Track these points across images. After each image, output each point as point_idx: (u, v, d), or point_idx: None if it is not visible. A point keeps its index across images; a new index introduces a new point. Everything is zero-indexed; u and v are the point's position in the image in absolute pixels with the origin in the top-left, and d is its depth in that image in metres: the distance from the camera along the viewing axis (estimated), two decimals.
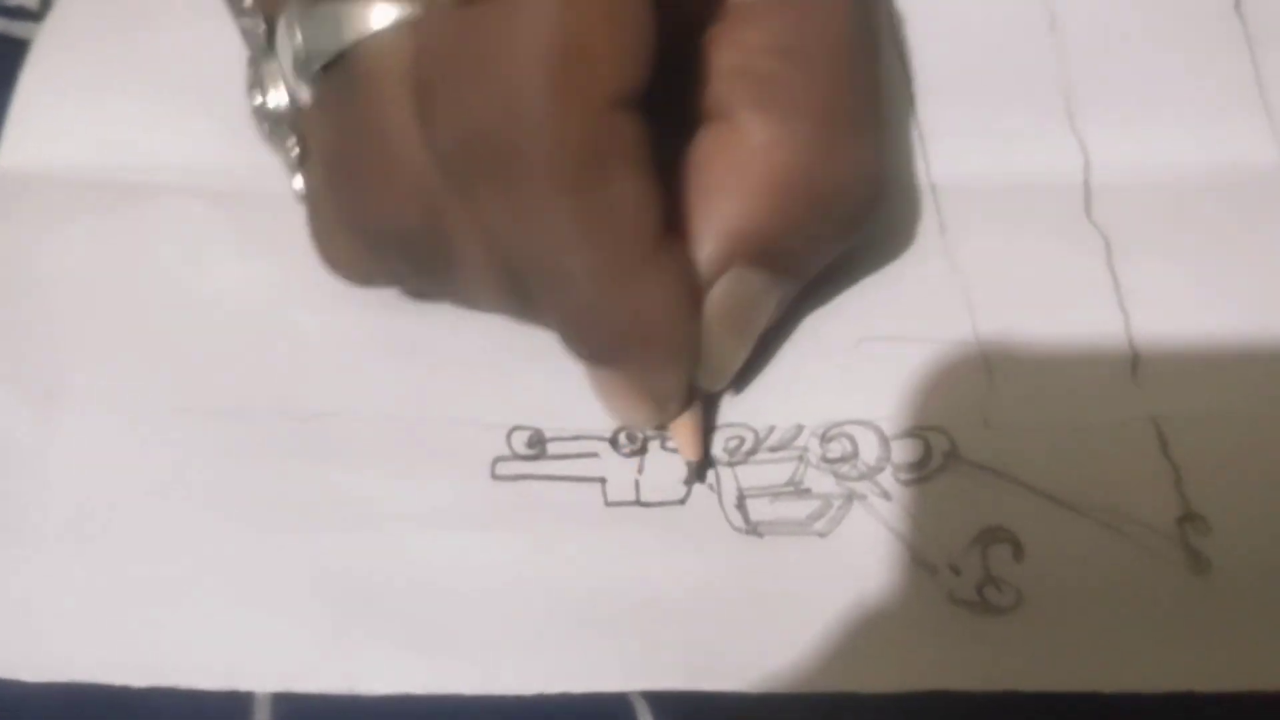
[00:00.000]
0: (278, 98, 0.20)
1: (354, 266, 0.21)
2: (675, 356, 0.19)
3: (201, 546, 0.20)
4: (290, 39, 0.19)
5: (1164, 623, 0.19)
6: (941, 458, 0.21)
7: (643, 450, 0.21)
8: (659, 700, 0.19)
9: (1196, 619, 0.19)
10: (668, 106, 0.19)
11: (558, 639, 0.19)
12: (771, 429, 0.22)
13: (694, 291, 0.19)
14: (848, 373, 0.22)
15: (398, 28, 0.18)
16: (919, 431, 0.21)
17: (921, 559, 0.20)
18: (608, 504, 0.21)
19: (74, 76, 0.25)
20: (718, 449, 0.21)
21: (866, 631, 0.19)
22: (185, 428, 0.21)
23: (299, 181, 0.21)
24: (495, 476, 0.21)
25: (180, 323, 0.23)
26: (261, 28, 0.20)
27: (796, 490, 0.21)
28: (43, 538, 0.20)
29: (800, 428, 0.22)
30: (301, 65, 0.19)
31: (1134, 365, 0.22)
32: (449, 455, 0.21)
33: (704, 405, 0.21)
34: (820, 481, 0.21)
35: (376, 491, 0.21)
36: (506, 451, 0.21)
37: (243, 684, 0.19)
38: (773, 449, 0.21)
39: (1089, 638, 0.19)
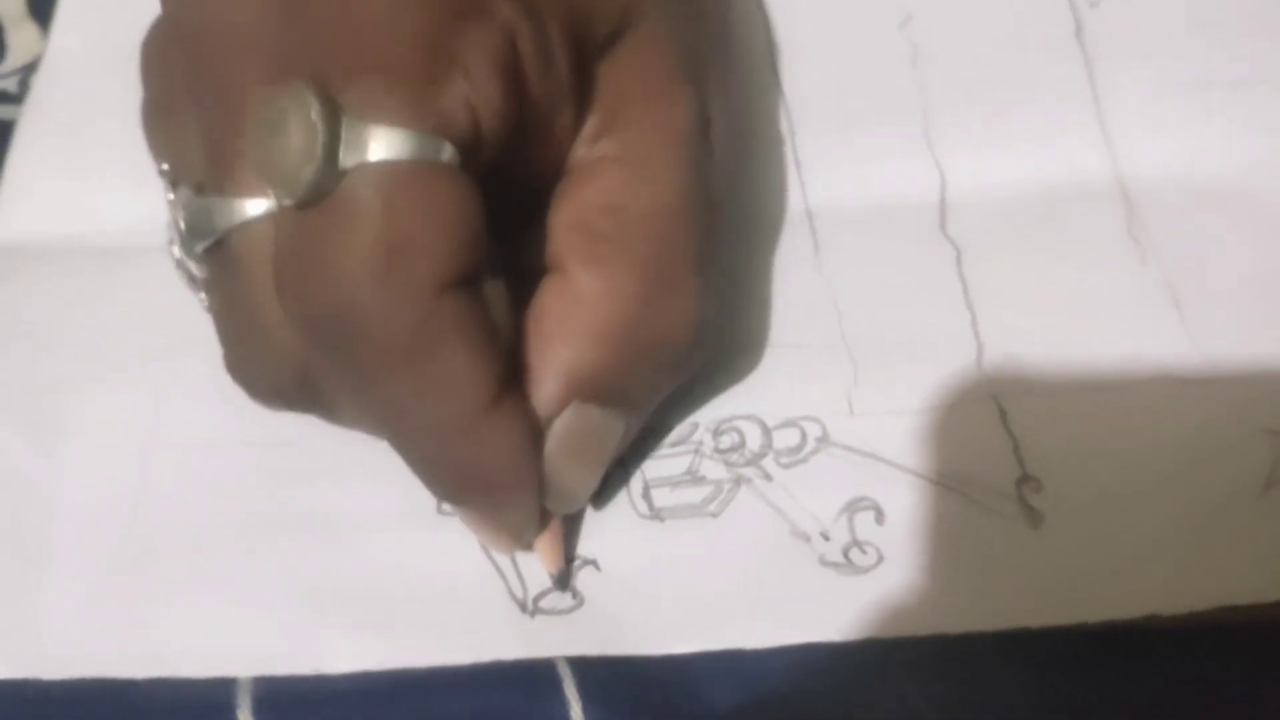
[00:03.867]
0: (177, 255, 0.23)
1: (256, 393, 0.23)
2: (518, 497, 0.22)
3: (189, 556, 0.24)
4: (177, 222, 0.22)
5: (1005, 569, 0.22)
6: (815, 442, 0.24)
7: None
8: (579, 664, 0.22)
9: (1032, 565, 0.22)
10: (518, 256, 0.22)
11: (492, 616, 0.23)
12: (670, 427, 0.25)
13: (534, 434, 0.21)
14: (734, 373, 0.25)
15: (261, 220, 0.20)
16: (795, 421, 0.25)
17: (797, 529, 0.23)
18: None
19: (53, 154, 0.29)
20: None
21: (752, 594, 0.23)
22: (169, 456, 0.25)
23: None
24: None
25: (161, 366, 0.26)
26: (170, 195, 0.23)
27: (693, 478, 0.24)
28: (52, 556, 0.24)
29: (696, 425, 0.25)
30: (187, 245, 0.22)
31: (979, 354, 0.25)
32: (395, 466, 0.24)
33: (564, 519, 0.23)
34: (713, 469, 0.24)
35: (335, 502, 0.24)
36: None
37: (227, 670, 0.22)
38: (672, 444, 0.25)
39: (940, 587, 0.22)
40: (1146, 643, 0.22)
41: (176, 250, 0.23)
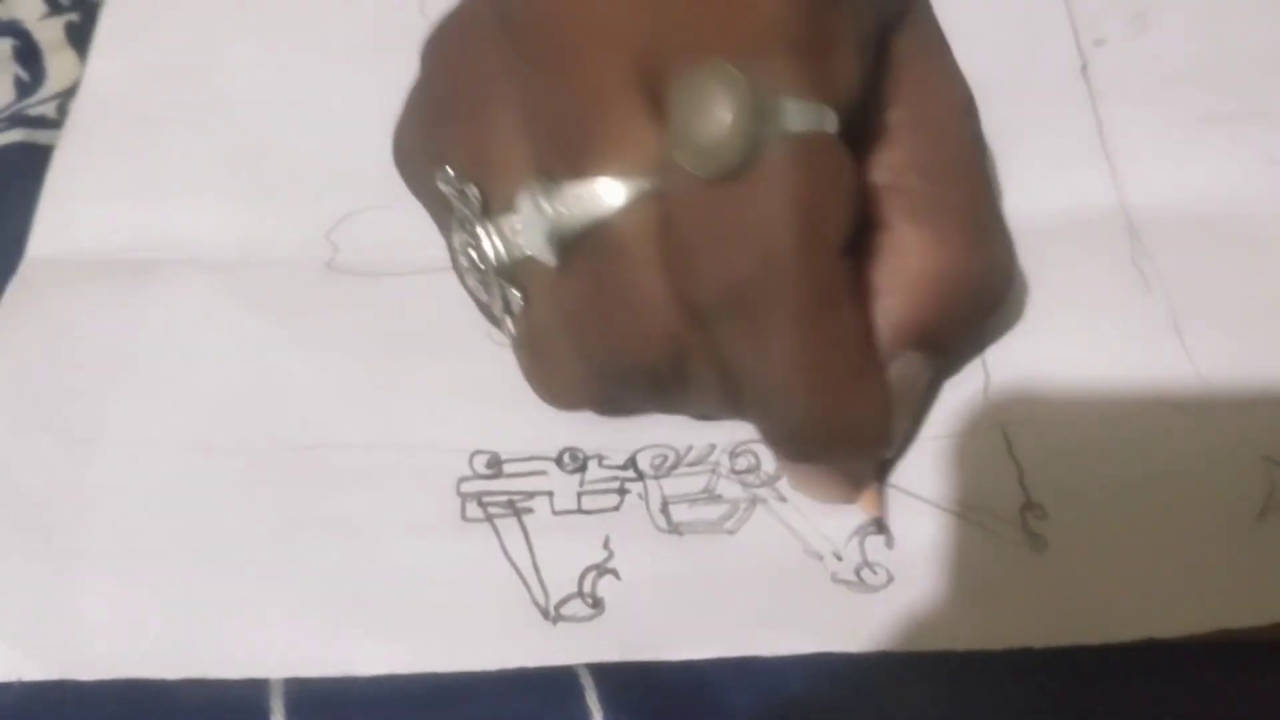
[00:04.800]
0: (494, 255, 0.23)
1: (569, 396, 0.24)
2: (881, 444, 0.23)
3: (220, 560, 0.24)
4: (538, 213, 0.22)
5: (1008, 592, 0.23)
6: None
7: (583, 468, 0.26)
8: (600, 671, 0.23)
9: (1035, 589, 0.23)
10: None
11: (516, 623, 0.23)
12: (690, 447, 0.26)
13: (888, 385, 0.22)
14: None
15: (641, 201, 0.21)
16: None
17: (810, 548, 0.24)
18: (555, 513, 0.25)
19: (89, 175, 0.30)
20: (646, 465, 0.26)
21: (768, 606, 0.24)
22: (200, 462, 0.25)
23: (511, 326, 0.24)
24: (460, 493, 0.25)
25: (191, 375, 0.27)
26: (473, 197, 0.23)
27: (710, 496, 0.25)
28: (86, 559, 0.24)
29: (713, 446, 0.26)
30: (553, 236, 0.21)
31: (986, 383, 0.26)
32: (420, 476, 0.25)
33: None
34: (730, 489, 0.25)
35: (361, 507, 0.25)
36: (469, 472, 0.25)
37: (259, 672, 0.23)
38: (691, 464, 0.26)
39: (946, 607, 0.23)
40: (1153, 656, 0.23)
41: (470, 253, 0.23)
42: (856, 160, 0.22)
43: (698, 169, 0.20)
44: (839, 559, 0.24)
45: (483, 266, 0.23)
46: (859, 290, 0.22)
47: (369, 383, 0.27)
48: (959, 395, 0.26)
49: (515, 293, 0.23)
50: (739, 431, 0.26)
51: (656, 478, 0.25)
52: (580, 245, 0.22)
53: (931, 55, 0.24)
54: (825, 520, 0.25)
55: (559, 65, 0.22)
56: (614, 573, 0.24)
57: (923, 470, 0.25)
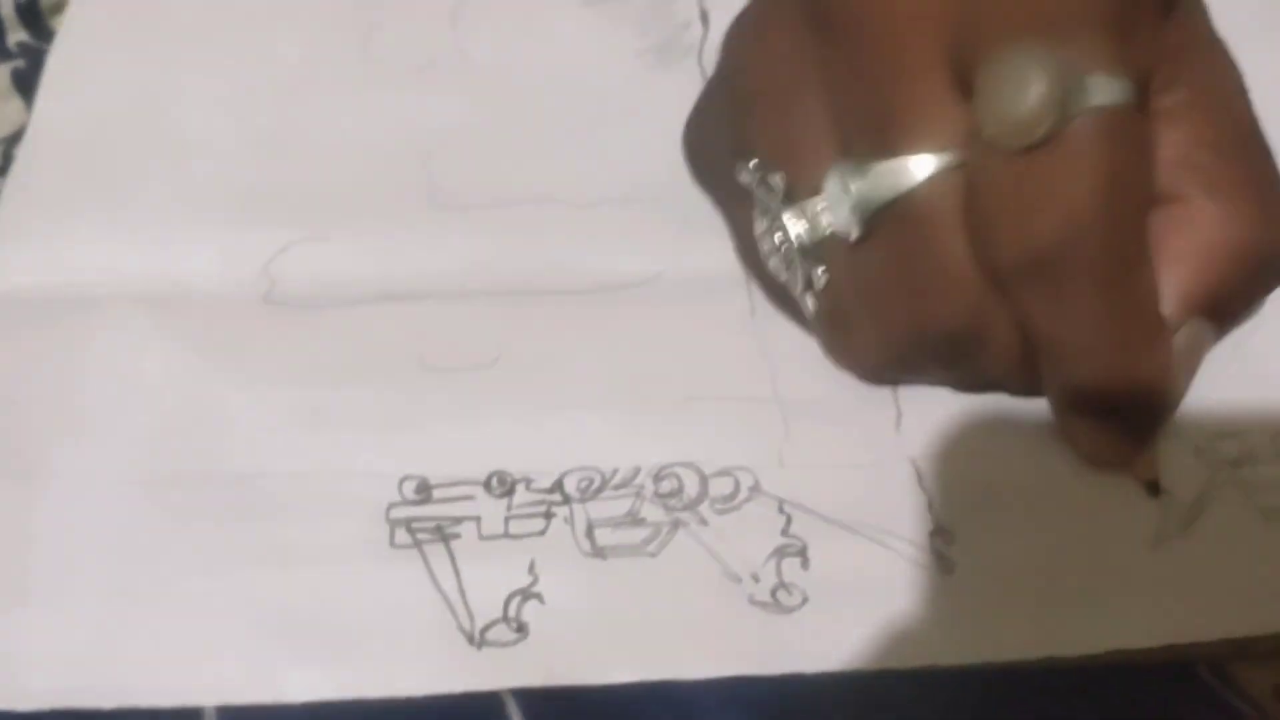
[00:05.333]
0: (800, 237, 0.25)
1: (866, 364, 0.26)
2: (1169, 404, 0.24)
3: (155, 590, 0.25)
4: (844, 191, 0.23)
5: (917, 613, 0.24)
6: (747, 491, 0.26)
7: (510, 491, 0.26)
8: (524, 696, 0.24)
9: (943, 610, 0.24)
10: None
11: (441, 649, 0.24)
12: (615, 470, 0.26)
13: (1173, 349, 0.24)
14: (677, 424, 0.27)
15: (945, 174, 0.22)
16: (730, 471, 0.26)
17: (729, 571, 0.25)
18: (482, 538, 0.25)
19: (34, 214, 0.30)
20: (572, 488, 0.26)
21: (686, 630, 0.24)
22: (137, 495, 0.26)
23: (811, 303, 0.26)
24: (389, 520, 0.26)
25: (130, 409, 0.27)
26: (777, 185, 0.25)
27: (634, 520, 0.26)
28: (27, 591, 0.25)
29: (638, 469, 0.27)
30: (858, 211, 0.23)
31: (898, 418, 0.27)
32: (351, 502, 0.26)
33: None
34: (653, 512, 0.26)
35: (293, 535, 0.25)
36: (398, 497, 0.26)
37: (193, 700, 0.23)
38: (616, 487, 0.26)
39: (858, 628, 0.24)
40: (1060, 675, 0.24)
41: (777, 236, 0.25)
42: (1158, 132, 0.23)
43: (1008, 142, 0.21)
44: (756, 581, 0.25)
45: (783, 248, 0.25)
46: (1153, 258, 0.23)
47: (303, 412, 0.27)
48: (874, 429, 0.27)
49: (819, 270, 0.25)
50: (663, 455, 0.27)
51: (582, 501, 0.26)
52: (885, 218, 0.23)
53: (1202, 36, 0.25)
54: (744, 542, 0.25)
55: (869, 50, 0.23)
56: (538, 597, 0.25)
57: (838, 496, 0.26)
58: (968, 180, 0.22)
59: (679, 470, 0.26)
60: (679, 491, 0.26)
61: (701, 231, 0.30)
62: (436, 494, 0.26)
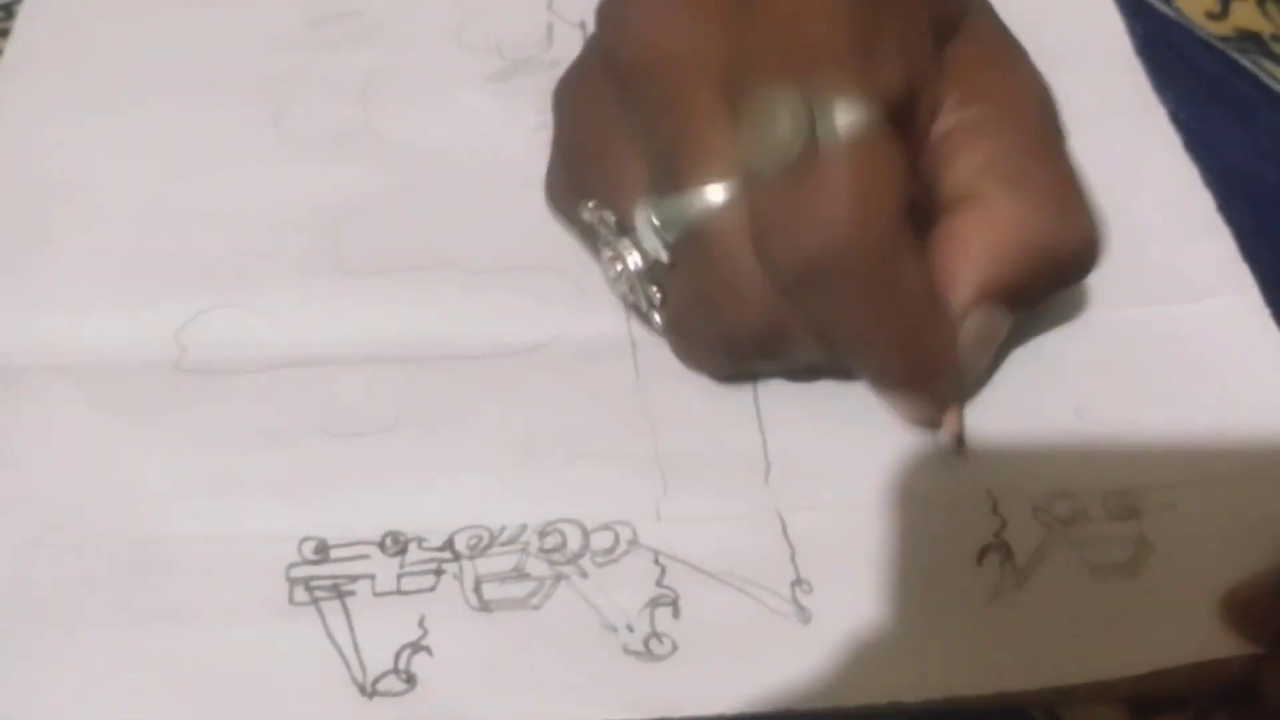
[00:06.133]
0: (634, 263, 0.28)
1: (708, 366, 0.29)
2: (952, 377, 0.27)
3: (62, 650, 0.26)
4: (649, 223, 0.26)
5: (778, 660, 0.26)
6: (626, 544, 0.28)
7: (404, 550, 0.28)
8: None
9: (801, 657, 0.26)
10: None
11: (335, 700, 0.26)
12: (503, 528, 0.28)
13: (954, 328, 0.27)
14: (563, 482, 0.29)
15: (730, 200, 0.25)
16: (611, 525, 0.28)
17: (606, 621, 0.27)
18: (375, 594, 0.27)
19: None
20: (462, 545, 0.28)
21: (565, 679, 0.26)
22: (48, 556, 0.27)
23: (658, 319, 0.29)
24: (289, 579, 0.27)
25: (42, 475, 0.29)
26: (611, 219, 0.28)
27: (520, 575, 0.28)
28: None
29: (525, 525, 0.28)
30: (661, 237, 0.26)
31: (767, 472, 0.29)
32: (252, 563, 0.27)
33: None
34: (537, 567, 0.28)
35: (197, 596, 0.27)
36: (297, 558, 0.28)
37: None
38: (503, 544, 0.28)
39: (722, 675, 0.26)
40: None
41: (617, 266, 0.28)
42: (947, 151, 0.27)
43: (768, 168, 0.24)
44: (631, 630, 0.27)
45: (624, 274, 0.28)
46: (924, 252, 0.26)
47: (210, 477, 0.29)
48: (744, 482, 0.29)
49: (654, 290, 0.28)
50: (549, 511, 0.29)
51: (471, 558, 0.28)
52: (687, 243, 0.26)
53: (997, 52, 0.28)
54: (621, 592, 0.27)
55: (655, 98, 0.26)
56: (427, 650, 0.27)
57: (709, 548, 0.28)
58: (749, 205, 0.25)
59: (563, 526, 0.28)
60: (562, 546, 0.28)
61: (593, 297, 0.32)
62: (334, 554, 0.28)
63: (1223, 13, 0.40)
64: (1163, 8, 0.40)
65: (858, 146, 0.24)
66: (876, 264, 0.25)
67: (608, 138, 0.28)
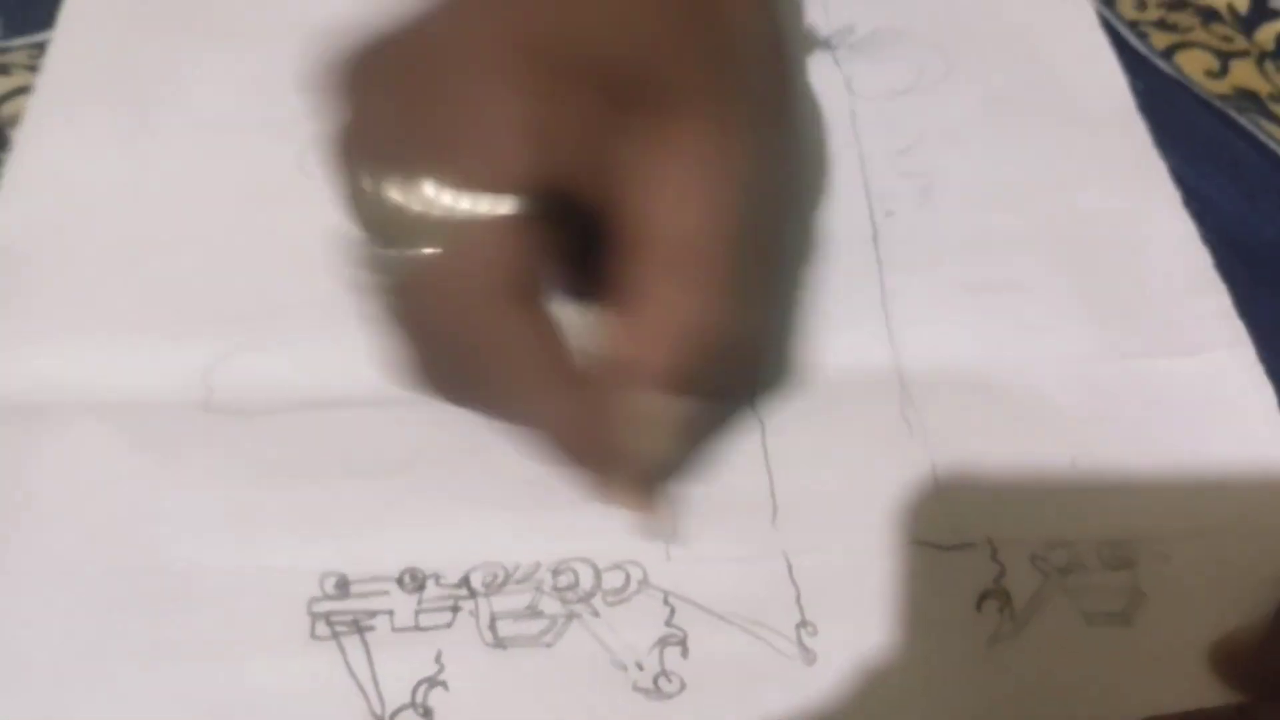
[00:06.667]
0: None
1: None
2: (605, 456, 0.27)
3: (94, 680, 0.27)
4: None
5: (782, 700, 0.27)
6: (637, 584, 0.29)
7: (422, 587, 0.29)
8: None
9: (805, 697, 0.27)
10: (598, 272, 0.27)
11: None
12: (517, 565, 0.29)
13: (602, 410, 0.26)
14: (576, 522, 0.30)
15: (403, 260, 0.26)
16: (622, 565, 0.29)
17: (617, 659, 0.28)
18: (394, 630, 0.28)
19: None
20: (478, 583, 0.29)
21: (577, 713, 0.27)
22: (81, 588, 0.28)
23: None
24: (311, 613, 0.28)
25: (77, 509, 0.30)
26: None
27: (533, 612, 0.29)
28: None
29: (538, 564, 0.29)
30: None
31: (774, 514, 0.30)
32: (276, 597, 0.28)
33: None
34: (550, 605, 0.29)
35: (223, 628, 0.28)
36: (319, 592, 0.29)
37: None
38: (518, 581, 0.29)
39: (730, 714, 0.27)
40: None
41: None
42: (624, 224, 0.27)
43: (406, 245, 0.25)
44: (640, 668, 0.28)
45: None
46: (547, 330, 0.26)
47: (235, 513, 0.30)
48: (752, 524, 0.30)
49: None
50: (562, 550, 0.30)
51: (487, 595, 0.29)
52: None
53: (701, 136, 0.27)
54: (632, 631, 0.28)
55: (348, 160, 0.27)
56: (444, 684, 0.28)
57: (718, 588, 0.29)
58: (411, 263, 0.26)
59: (576, 565, 0.29)
60: (575, 585, 0.29)
61: None
62: (354, 589, 0.29)
63: (1222, 72, 0.41)
64: (1164, 66, 0.41)
65: (475, 231, 0.25)
66: (505, 340, 0.26)
67: None
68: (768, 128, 0.30)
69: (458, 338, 0.26)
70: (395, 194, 0.25)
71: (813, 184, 0.36)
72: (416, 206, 0.25)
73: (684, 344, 0.26)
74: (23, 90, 0.39)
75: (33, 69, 0.40)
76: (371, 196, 0.26)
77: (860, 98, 0.38)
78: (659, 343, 0.26)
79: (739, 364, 0.29)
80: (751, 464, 0.31)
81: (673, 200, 0.27)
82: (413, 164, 0.25)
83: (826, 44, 0.40)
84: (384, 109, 0.26)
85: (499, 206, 0.25)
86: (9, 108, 0.39)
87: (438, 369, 0.28)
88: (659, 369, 0.27)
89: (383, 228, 0.26)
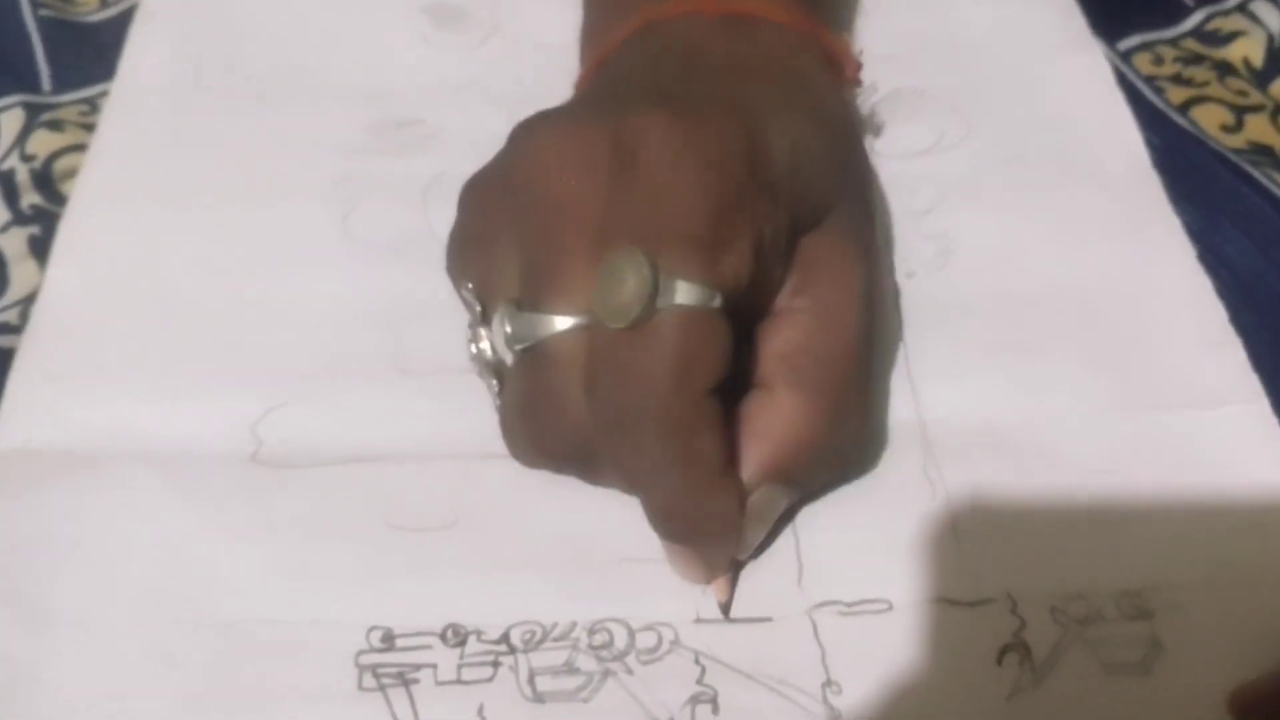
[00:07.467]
0: (485, 351, 0.30)
1: (528, 459, 0.31)
2: (727, 541, 0.29)
3: None
4: (502, 327, 0.29)
5: None
6: (669, 644, 0.30)
7: (463, 642, 0.30)
8: None
9: None
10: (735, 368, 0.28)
11: None
12: (555, 624, 0.30)
13: (741, 497, 0.29)
14: (611, 583, 0.31)
15: (575, 332, 0.28)
16: (654, 625, 0.30)
17: (651, 715, 0.29)
18: (438, 683, 0.29)
19: (46, 375, 0.34)
20: (517, 639, 0.30)
21: None
22: (134, 638, 0.30)
23: (497, 402, 0.31)
24: (358, 665, 0.30)
25: (129, 559, 0.31)
26: (477, 308, 0.30)
27: (570, 669, 0.30)
28: None
29: (574, 623, 0.31)
30: (509, 344, 0.29)
31: (800, 574, 0.31)
32: (324, 649, 0.30)
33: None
34: (586, 662, 0.30)
35: (272, 679, 0.29)
36: (366, 645, 0.30)
37: None
38: (556, 639, 0.30)
39: None
40: None
41: (473, 348, 0.31)
42: (765, 331, 0.29)
43: (609, 321, 0.27)
44: None
45: (478, 356, 0.31)
46: (727, 425, 0.28)
47: (283, 564, 0.31)
48: (777, 584, 0.31)
49: (494, 381, 0.31)
50: (597, 610, 0.31)
51: (526, 651, 0.30)
52: (529, 356, 0.29)
53: (837, 254, 0.30)
54: (664, 689, 0.30)
55: (537, 225, 0.29)
56: None
57: (745, 648, 0.30)
58: (590, 343, 0.28)
59: (610, 625, 0.31)
60: (610, 644, 0.30)
61: None
62: (399, 643, 0.30)
63: (1237, 125, 0.42)
64: (1179, 120, 0.42)
65: (688, 323, 0.27)
66: (680, 422, 0.27)
67: (491, 238, 0.30)
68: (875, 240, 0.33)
69: (641, 415, 0.27)
70: (633, 278, 0.26)
71: None
72: (642, 287, 0.26)
73: (812, 452, 0.29)
74: (76, 148, 0.41)
75: (84, 126, 0.41)
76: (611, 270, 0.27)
77: (882, 157, 0.39)
78: (792, 450, 0.29)
79: (840, 467, 0.32)
80: (778, 525, 0.32)
81: (820, 315, 0.30)
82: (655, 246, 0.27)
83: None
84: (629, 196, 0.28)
85: (713, 300, 0.27)
86: (62, 164, 0.40)
87: (576, 438, 0.29)
88: (786, 471, 0.29)
89: (603, 302, 0.27)
